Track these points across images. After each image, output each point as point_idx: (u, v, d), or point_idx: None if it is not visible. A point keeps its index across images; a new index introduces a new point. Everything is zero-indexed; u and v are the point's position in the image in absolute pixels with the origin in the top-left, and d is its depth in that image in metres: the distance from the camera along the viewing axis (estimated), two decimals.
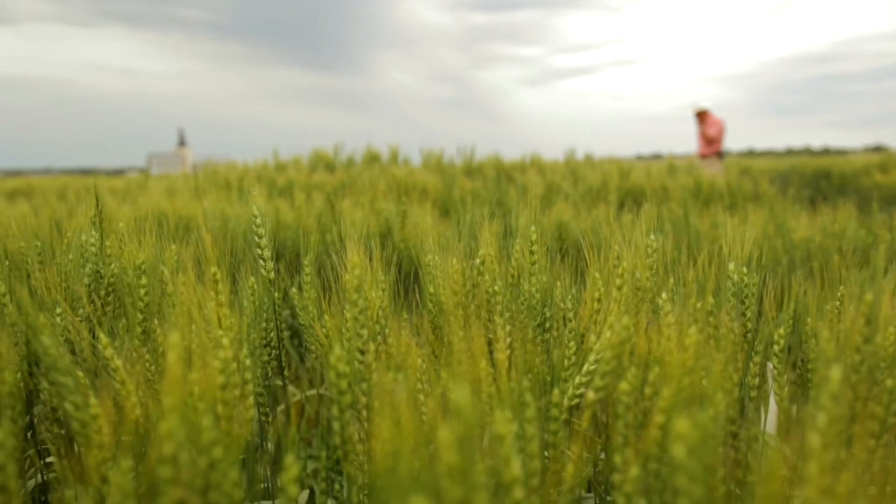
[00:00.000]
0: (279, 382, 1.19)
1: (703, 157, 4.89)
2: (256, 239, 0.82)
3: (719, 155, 4.93)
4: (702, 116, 4.91)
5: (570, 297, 0.79)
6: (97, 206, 0.91)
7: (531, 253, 0.77)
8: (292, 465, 0.39)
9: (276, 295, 0.90)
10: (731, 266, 0.74)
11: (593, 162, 4.16)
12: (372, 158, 3.94)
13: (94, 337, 0.67)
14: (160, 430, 0.34)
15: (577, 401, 0.61)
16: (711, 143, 4.89)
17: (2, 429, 0.39)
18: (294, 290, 1.02)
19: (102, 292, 0.81)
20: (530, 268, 0.77)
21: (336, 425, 0.48)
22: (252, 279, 0.87)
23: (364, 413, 0.55)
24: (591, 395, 0.49)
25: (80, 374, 0.51)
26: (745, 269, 0.74)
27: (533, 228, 0.78)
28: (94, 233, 0.86)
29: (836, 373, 0.38)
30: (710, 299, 0.65)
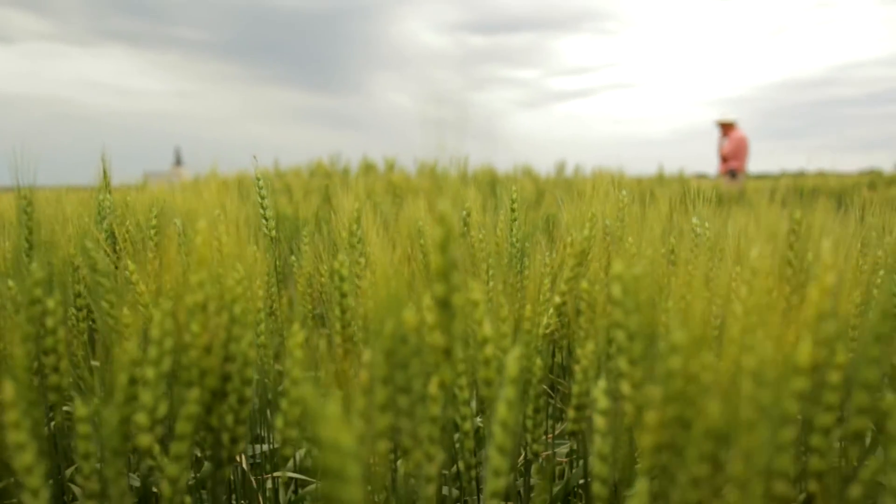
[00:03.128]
0: (279, 367, 1.24)
1: (721, 175, 4.47)
2: (259, 199, 0.89)
3: (732, 174, 4.46)
4: (726, 129, 4.48)
5: (548, 255, 0.86)
6: (104, 174, 0.98)
7: (512, 210, 0.85)
8: (297, 332, 0.46)
9: (276, 259, 0.97)
10: (695, 220, 0.82)
11: (584, 175, 4.24)
12: (368, 168, 4.02)
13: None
14: (191, 281, 0.41)
15: (550, 328, 0.68)
16: (725, 161, 4.46)
17: (54, 299, 0.46)
18: (293, 257, 1.09)
19: (118, 247, 0.88)
20: (512, 224, 0.84)
21: (338, 325, 0.55)
22: (253, 246, 0.94)
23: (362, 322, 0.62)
24: (556, 298, 0.56)
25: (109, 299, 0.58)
26: (706, 224, 0.81)
27: (514, 188, 0.86)
28: (108, 195, 0.92)
29: (756, 252, 0.45)
30: (672, 240, 0.73)
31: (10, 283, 0.48)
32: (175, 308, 0.42)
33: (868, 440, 0.48)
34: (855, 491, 0.36)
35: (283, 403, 0.45)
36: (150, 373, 0.39)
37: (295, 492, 0.87)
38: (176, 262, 0.45)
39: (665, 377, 0.34)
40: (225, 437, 0.45)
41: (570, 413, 0.52)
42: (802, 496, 0.39)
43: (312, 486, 0.81)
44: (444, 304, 0.35)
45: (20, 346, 0.38)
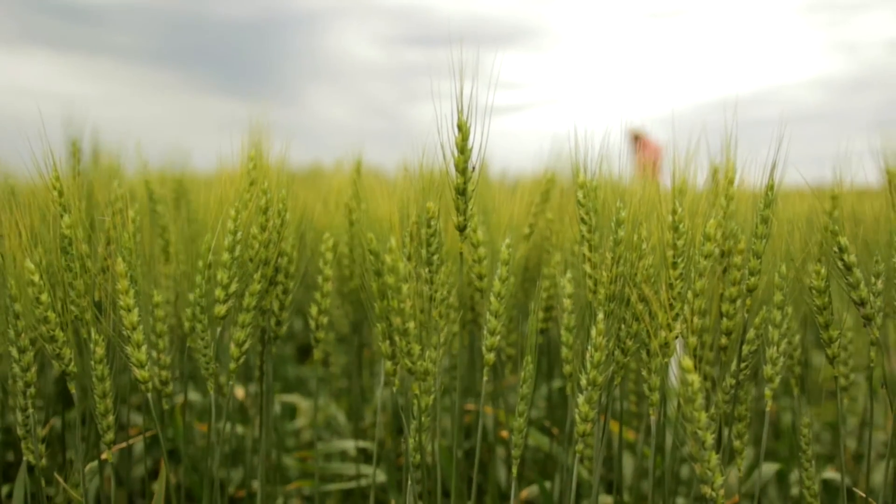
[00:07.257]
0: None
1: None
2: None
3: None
4: (640, 139, 4.09)
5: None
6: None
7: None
8: (328, 238, 0.58)
9: None
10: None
11: (526, 180, 4.39)
12: (317, 171, 4.12)
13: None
14: (254, 190, 0.52)
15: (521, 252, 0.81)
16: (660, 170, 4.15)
17: (133, 209, 0.57)
18: None
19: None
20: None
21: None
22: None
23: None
24: (525, 230, 0.70)
25: None
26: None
27: None
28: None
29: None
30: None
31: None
32: (238, 214, 0.53)
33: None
34: (750, 334, 0.51)
35: (317, 296, 0.57)
36: (225, 257, 0.51)
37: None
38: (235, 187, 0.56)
39: (613, 245, 0.47)
40: (272, 321, 0.57)
41: (540, 315, 0.65)
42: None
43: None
44: (461, 192, 0.48)
45: (127, 233, 0.49)
